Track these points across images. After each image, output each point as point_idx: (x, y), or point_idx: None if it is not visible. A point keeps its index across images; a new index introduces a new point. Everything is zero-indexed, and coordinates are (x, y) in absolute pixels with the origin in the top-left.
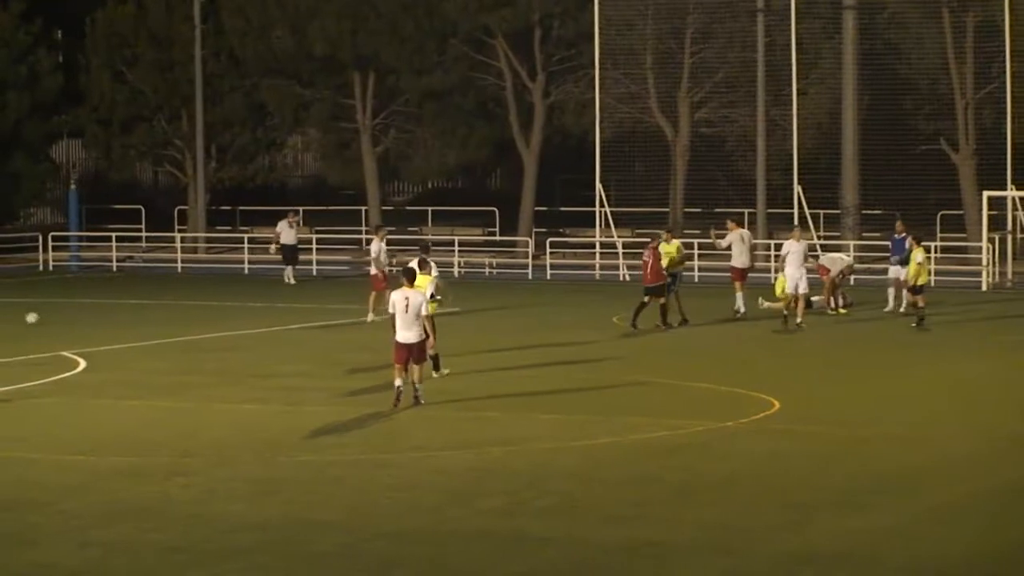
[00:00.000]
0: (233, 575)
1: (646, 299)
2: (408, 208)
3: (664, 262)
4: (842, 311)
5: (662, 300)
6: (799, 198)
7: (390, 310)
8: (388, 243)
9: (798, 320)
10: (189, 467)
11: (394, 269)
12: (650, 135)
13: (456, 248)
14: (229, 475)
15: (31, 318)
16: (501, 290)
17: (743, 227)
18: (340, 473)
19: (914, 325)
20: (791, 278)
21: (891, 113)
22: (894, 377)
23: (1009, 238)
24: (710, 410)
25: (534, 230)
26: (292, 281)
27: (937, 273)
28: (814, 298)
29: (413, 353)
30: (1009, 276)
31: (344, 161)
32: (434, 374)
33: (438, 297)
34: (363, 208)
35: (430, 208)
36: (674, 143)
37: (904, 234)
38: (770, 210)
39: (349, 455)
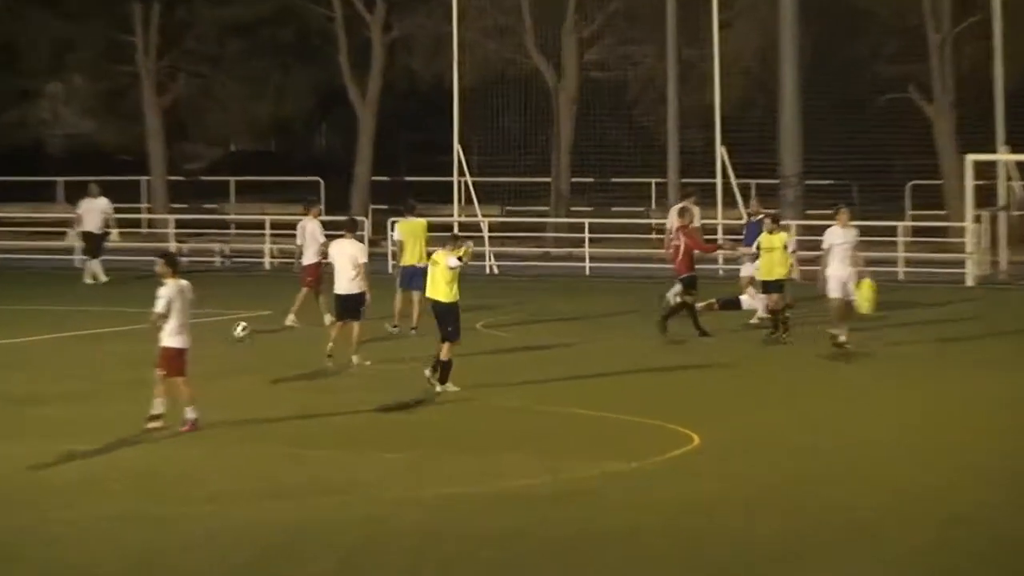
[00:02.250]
0: None
1: (688, 296)
2: (204, 179)
3: (772, 263)
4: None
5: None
6: (723, 164)
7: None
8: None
9: (841, 338)
10: None
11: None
12: (526, 81)
13: (267, 232)
14: None
15: (239, 331)
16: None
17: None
18: (109, 533)
19: (769, 333)
20: (836, 279)
21: (844, 53)
22: (839, 400)
23: (1002, 216)
24: (611, 446)
25: (371, 207)
26: (102, 279)
27: (907, 263)
28: (742, 297)
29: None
30: (1003, 265)
31: (119, 116)
32: (437, 387)
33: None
34: (144, 178)
35: (233, 179)
36: (557, 92)
37: (761, 215)
38: (685, 179)
39: (122, 507)
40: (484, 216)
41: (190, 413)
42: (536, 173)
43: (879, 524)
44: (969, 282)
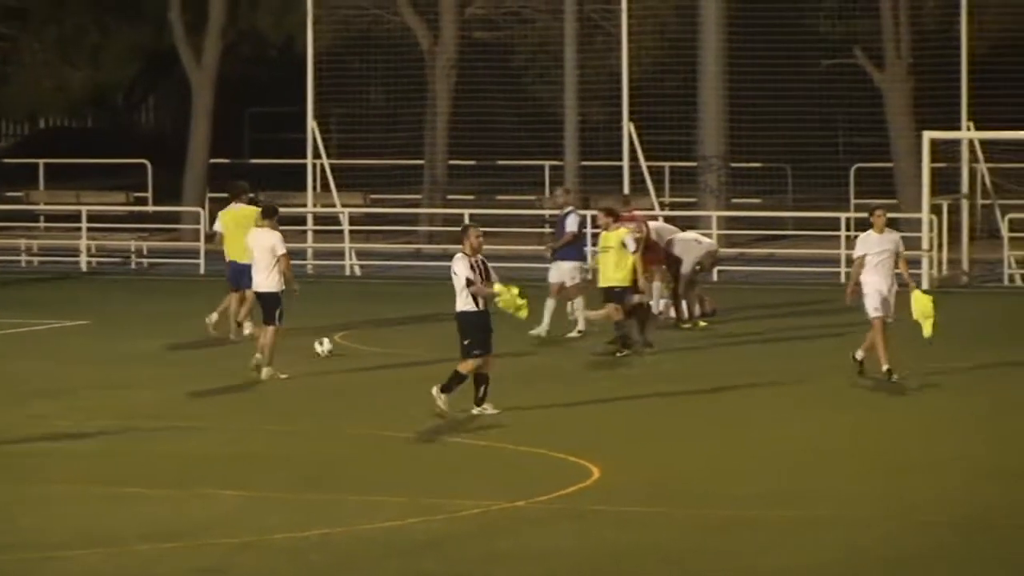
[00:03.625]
0: None
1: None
2: (7, 161)
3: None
4: (701, 324)
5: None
6: (631, 142)
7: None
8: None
9: (884, 366)
10: None
11: None
12: (395, 44)
13: (84, 226)
14: None
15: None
16: (158, 291)
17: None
18: None
19: (599, 353)
20: (875, 292)
21: (775, 11)
22: (763, 426)
23: (964, 205)
24: (495, 482)
25: (208, 196)
26: None
27: (850, 262)
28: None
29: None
30: (965, 265)
31: None
32: (474, 409)
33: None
34: None
35: (42, 161)
36: (433, 56)
37: (571, 208)
38: (586, 162)
39: None
40: (344, 206)
41: None
42: (407, 155)
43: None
44: (925, 284)
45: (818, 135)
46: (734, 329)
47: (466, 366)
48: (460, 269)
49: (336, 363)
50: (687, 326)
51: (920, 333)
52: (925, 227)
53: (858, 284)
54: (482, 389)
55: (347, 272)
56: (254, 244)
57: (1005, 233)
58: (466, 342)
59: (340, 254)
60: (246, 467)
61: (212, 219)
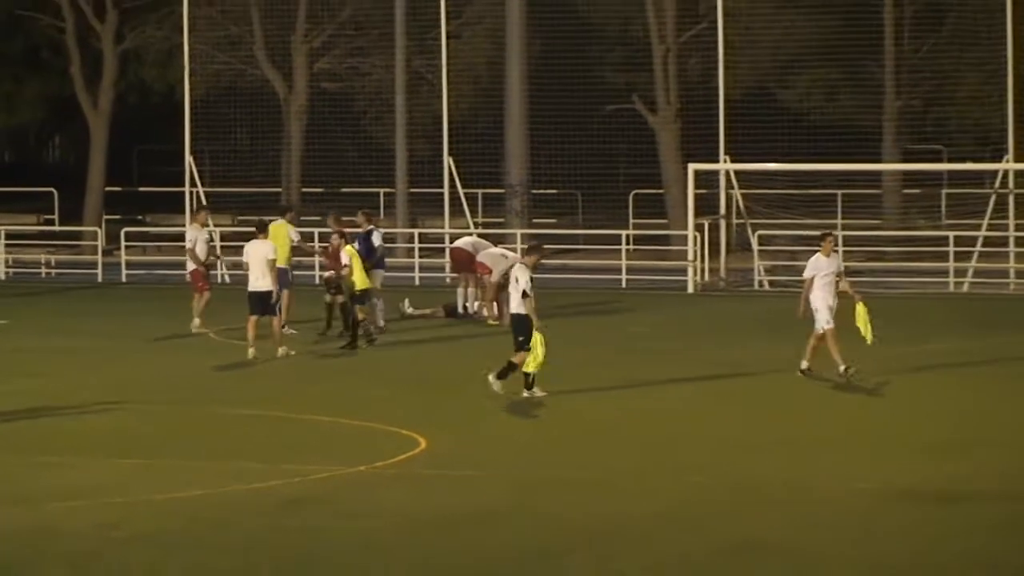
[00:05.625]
0: None
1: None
2: None
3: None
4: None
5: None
6: (451, 173)
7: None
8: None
9: (845, 368)
10: None
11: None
12: (257, 92)
13: (2, 243)
14: None
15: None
16: (64, 296)
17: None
18: None
19: (347, 346)
20: (825, 307)
21: (569, 64)
22: (577, 406)
23: (722, 224)
24: (337, 451)
25: (105, 217)
26: None
27: (633, 271)
28: (474, 307)
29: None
30: (722, 273)
31: None
32: (524, 392)
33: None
34: None
35: None
36: (288, 102)
37: (372, 227)
38: (413, 189)
39: None
40: (216, 224)
41: None
42: (268, 183)
43: (620, 541)
44: (690, 289)
45: (603, 167)
46: None
47: (519, 357)
48: (522, 279)
49: (209, 354)
50: (495, 323)
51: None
52: (691, 242)
53: (807, 301)
54: (530, 378)
55: (219, 279)
56: (252, 252)
57: (755, 247)
58: (520, 339)
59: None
60: (136, 439)
61: (110, 238)
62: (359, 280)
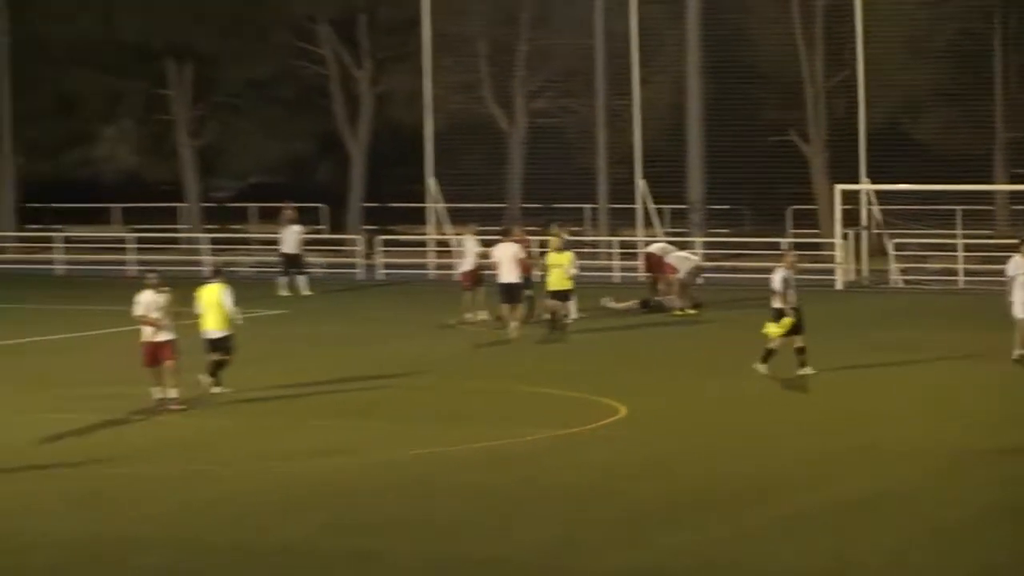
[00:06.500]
0: None
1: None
2: (230, 205)
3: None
4: (691, 312)
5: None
6: (643, 193)
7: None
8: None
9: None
10: None
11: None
12: (484, 126)
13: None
14: (34, 489)
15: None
16: (332, 291)
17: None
18: (158, 486)
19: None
20: (1020, 304)
21: (738, 103)
22: (740, 381)
23: (864, 233)
24: (552, 417)
25: (364, 227)
26: (303, 292)
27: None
28: (663, 300)
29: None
30: (865, 273)
31: (161, 154)
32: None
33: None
34: (181, 205)
35: (253, 205)
36: (510, 135)
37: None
38: (613, 205)
39: (168, 467)
40: (452, 233)
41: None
42: (494, 200)
43: (771, 489)
44: (838, 287)
45: (765, 186)
46: (710, 316)
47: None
48: (779, 276)
49: (455, 338)
50: (680, 313)
51: None
52: (838, 248)
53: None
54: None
55: (455, 278)
56: (502, 252)
57: (891, 252)
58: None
59: (450, 266)
60: (385, 407)
61: (368, 244)
62: (563, 281)
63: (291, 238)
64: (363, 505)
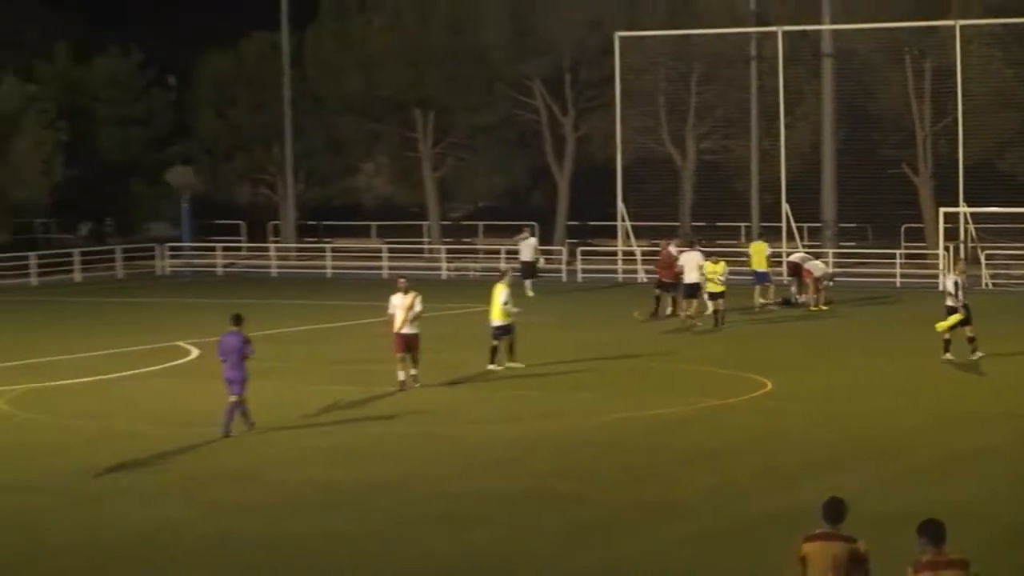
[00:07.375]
0: (304, 529)
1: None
2: (463, 223)
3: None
4: (823, 308)
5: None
6: (787, 214)
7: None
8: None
9: None
10: (275, 438)
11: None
12: (662, 162)
13: (503, 256)
14: (310, 444)
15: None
16: (541, 291)
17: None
18: (405, 443)
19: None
20: None
21: (863, 143)
22: (867, 362)
23: (962, 246)
24: (712, 389)
25: (567, 240)
26: (529, 294)
27: (904, 277)
28: (801, 299)
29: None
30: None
31: (409, 184)
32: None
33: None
34: (425, 223)
35: (481, 223)
36: (682, 168)
37: (685, 250)
38: (763, 223)
39: (415, 427)
40: (636, 245)
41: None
42: (669, 219)
43: (895, 448)
44: (940, 288)
45: (883, 209)
46: (839, 311)
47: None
48: (951, 280)
49: (631, 325)
50: (815, 308)
51: None
52: (941, 258)
53: None
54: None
55: (638, 280)
56: (687, 259)
57: (983, 261)
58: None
59: (634, 271)
60: (581, 382)
61: (570, 254)
62: (716, 285)
63: (527, 249)
64: (568, 458)
